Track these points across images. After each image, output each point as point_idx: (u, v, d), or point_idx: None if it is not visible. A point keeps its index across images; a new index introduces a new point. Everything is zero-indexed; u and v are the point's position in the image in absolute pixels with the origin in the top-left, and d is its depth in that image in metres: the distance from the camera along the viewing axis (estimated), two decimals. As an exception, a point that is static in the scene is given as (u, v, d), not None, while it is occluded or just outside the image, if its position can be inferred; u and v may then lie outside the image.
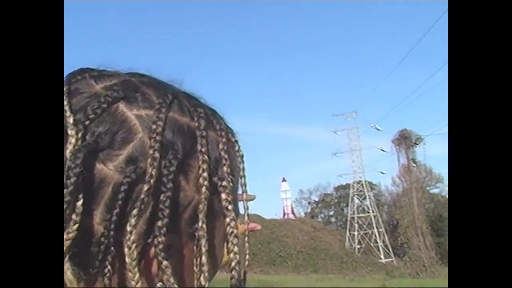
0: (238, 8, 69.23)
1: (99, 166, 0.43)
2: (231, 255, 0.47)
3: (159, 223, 0.43)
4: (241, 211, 0.55)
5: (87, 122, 0.44)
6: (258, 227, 0.86)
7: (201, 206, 0.46)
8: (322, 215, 49.37)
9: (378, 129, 37.66)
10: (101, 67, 0.53)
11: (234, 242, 0.46)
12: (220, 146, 0.50)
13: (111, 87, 0.48)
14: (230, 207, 0.47)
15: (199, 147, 0.47)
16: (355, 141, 39.94)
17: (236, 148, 0.54)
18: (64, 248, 0.40)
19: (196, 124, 0.48)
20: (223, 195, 0.47)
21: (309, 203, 50.42)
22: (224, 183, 0.48)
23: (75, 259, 0.41)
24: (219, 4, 67.24)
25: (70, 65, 0.51)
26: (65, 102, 0.46)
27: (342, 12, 68.14)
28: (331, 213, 49.42)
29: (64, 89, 0.47)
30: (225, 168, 0.49)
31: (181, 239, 0.46)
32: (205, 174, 0.46)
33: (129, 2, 67.67)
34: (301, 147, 76.67)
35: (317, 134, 77.71)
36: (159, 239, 0.42)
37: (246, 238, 0.55)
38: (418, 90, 61.78)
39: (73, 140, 0.43)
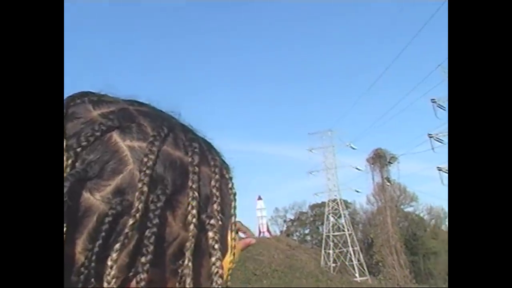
0: (211, 23, 69.70)
1: (85, 194, 0.42)
2: None
3: (143, 259, 0.42)
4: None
5: (78, 149, 0.44)
6: (253, 241, 0.80)
7: (188, 244, 0.45)
8: (297, 234, 49.36)
9: (353, 148, 38.15)
10: (102, 92, 0.52)
11: (219, 282, 0.45)
12: (212, 182, 0.49)
13: (107, 114, 0.47)
14: (216, 246, 0.46)
15: (190, 183, 0.46)
16: (330, 160, 40.32)
17: (230, 185, 0.53)
18: None
19: (190, 159, 0.48)
20: (210, 234, 0.46)
21: (284, 221, 50.39)
22: (212, 221, 0.47)
23: None
24: (192, 19, 67.56)
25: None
26: None
27: (318, 30, 69.30)
28: (307, 231, 49.48)
29: None
30: (215, 206, 0.48)
31: (164, 275, 0.45)
32: (194, 211, 0.45)
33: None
34: (276, 165, 76.90)
35: (292, 152, 78.22)
36: (142, 276, 0.41)
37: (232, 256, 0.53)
38: (392, 110, 62.90)
39: None
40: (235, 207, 0.53)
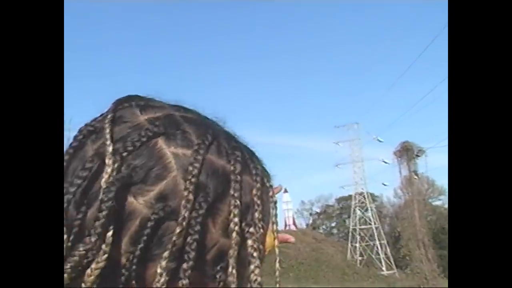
0: (232, 12, 69.74)
1: (130, 199, 0.44)
2: None
3: (184, 266, 0.43)
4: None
5: (124, 154, 0.45)
6: (292, 239, 0.82)
7: (231, 252, 0.46)
8: (324, 227, 49.21)
9: (380, 141, 37.68)
10: (149, 96, 0.54)
11: None
12: (254, 191, 0.50)
13: (154, 120, 0.49)
14: (255, 254, 0.47)
15: (231, 192, 0.47)
16: (357, 153, 40.01)
17: (270, 193, 0.53)
18: (93, 277, 0.41)
19: (232, 168, 0.49)
20: (250, 242, 0.47)
21: (310, 214, 50.30)
22: (251, 229, 0.48)
23: None
24: (213, 9, 67.76)
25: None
26: (107, 130, 0.47)
27: (345, 19, 68.57)
28: (333, 224, 49.26)
29: (109, 116, 0.49)
30: (256, 214, 0.49)
31: (203, 279, 0.46)
32: (236, 220, 0.46)
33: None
34: (303, 158, 76.64)
35: (319, 144, 77.82)
36: (184, 282, 0.43)
37: (278, 258, 0.54)
38: (420, 102, 61.80)
39: (109, 170, 0.44)
40: (276, 215, 0.53)
